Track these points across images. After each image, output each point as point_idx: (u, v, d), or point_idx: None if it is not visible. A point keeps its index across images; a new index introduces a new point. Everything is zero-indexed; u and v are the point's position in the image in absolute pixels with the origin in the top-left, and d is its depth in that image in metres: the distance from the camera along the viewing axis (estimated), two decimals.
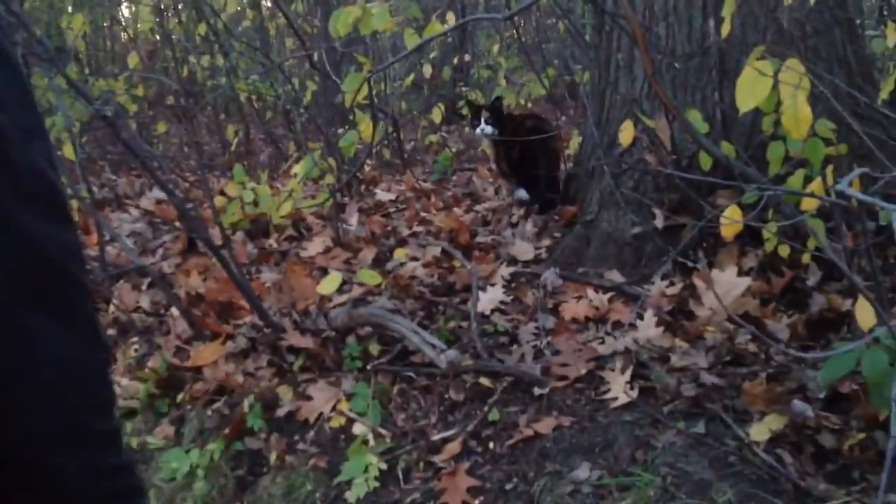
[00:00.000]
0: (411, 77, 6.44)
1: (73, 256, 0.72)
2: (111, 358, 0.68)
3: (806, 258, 2.45)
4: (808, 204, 1.86)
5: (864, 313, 1.78)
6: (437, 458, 2.12)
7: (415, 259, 3.12)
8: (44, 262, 0.67)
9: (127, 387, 2.60)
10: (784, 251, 2.42)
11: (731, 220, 1.74)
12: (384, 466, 2.13)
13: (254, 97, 6.57)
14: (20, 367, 0.65)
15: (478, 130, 3.63)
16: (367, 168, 5.06)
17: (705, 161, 2.53)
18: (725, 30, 2.20)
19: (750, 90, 1.93)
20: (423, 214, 3.74)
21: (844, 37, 2.73)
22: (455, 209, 3.82)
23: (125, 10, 10.41)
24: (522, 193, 3.65)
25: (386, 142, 5.55)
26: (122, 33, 8.92)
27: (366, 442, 2.21)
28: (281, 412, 2.39)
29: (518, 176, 3.71)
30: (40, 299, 0.67)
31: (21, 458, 0.68)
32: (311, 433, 2.32)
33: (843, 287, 2.41)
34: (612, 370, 2.24)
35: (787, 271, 2.49)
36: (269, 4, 7.88)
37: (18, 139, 0.66)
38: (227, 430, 2.37)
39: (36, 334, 0.66)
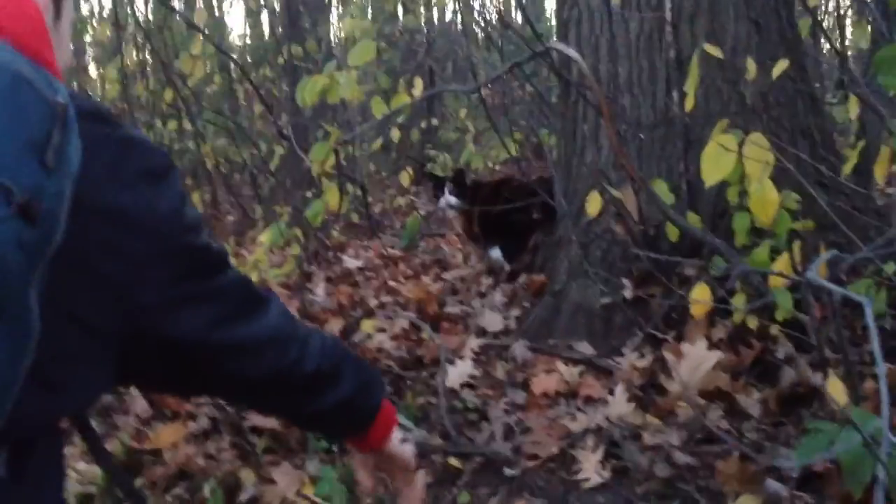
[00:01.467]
0: (379, 141, 6.46)
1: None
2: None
3: (774, 330, 2.43)
4: (777, 281, 1.85)
5: (836, 389, 1.76)
6: None
7: (382, 331, 3.06)
8: None
9: (84, 471, 2.49)
10: (752, 322, 2.40)
11: (700, 301, 1.71)
12: None
13: (221, 161, 6.54)
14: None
15: (442, 202, 3.64)
16: (334, 233, 5.03)
17: (672, 231, 2.53)
18: (689, 104, 2.22)
19: (715, 164, 1.94)
20: (391, 283, 3.70)
21: (807, 108, 2.77)
22: (423, 277, 3.79)
23: (92, 72, 10.43)
24: (497, 254, 3.64)
25: (353, 205, 5.53)
26: (85, 93, 8.88)
27: None
28: (244, 497, 2.29)
29: (491, 239, 3.71)
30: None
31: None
32: None
33: (813, 360, 2.39)
34: (584, 449, 2.19)
35: (755, 343, 2.48)
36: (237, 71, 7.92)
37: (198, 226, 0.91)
38: None
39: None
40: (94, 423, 2.61)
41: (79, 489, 2.47)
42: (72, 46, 1.01)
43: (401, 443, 1.22)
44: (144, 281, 0.86)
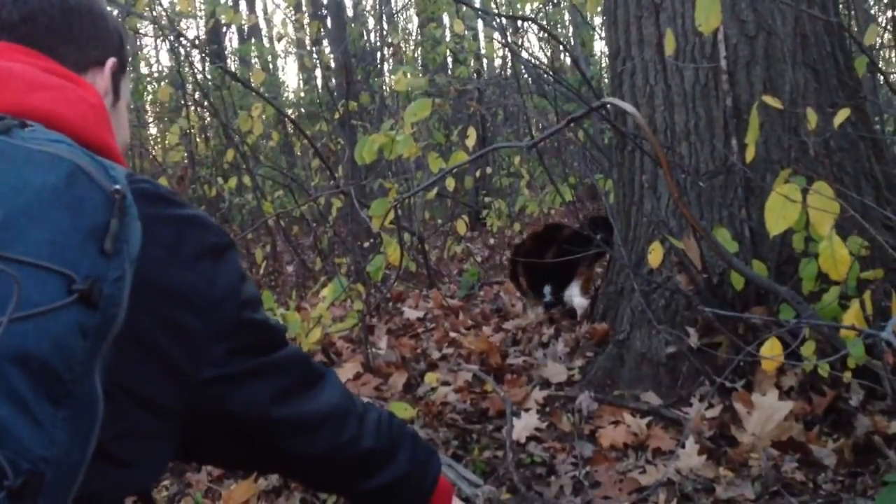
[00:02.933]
0: (435, 190, 6.53)
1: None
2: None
3: (847, 377, 2.39)
4: (850, 332, 1.83)
5: None
6: None
7: (446, 384, 3.08)
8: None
9: None
10: (824, 370, 2.36)
11: (770, 358, 1.70)
12: None
13: (280, 214, 6.67)
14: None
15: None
16: (392, 282, 5.07)
17: (737, 280, 2.51)
18: (750, 154, 2.21)
19: (779, 214, 1.92)
20: (452, 334, 3.72)
21: (869, 151, 2.74)
22: (484, 328, 3.80)
23: (153, 130, 10.77)
24: (577, 299, 3.72)
25: (411, 255, 5.58)
26: (150, 155, 9.17)
27: None
28: None
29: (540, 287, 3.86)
30: None
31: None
32: None
33: (887, 407, 2.34)
34: (656, 503, 2.16)
35: (828, 391, 2.43)
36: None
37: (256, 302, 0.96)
38: None
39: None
40: (168, 482, 2.67)
41: None
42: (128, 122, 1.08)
43: None
44: (204, 357, 0.88)
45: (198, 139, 7.30)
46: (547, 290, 3.84)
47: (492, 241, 7.00)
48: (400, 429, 1.16)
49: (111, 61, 1.01)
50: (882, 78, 4.32)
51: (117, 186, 0.75)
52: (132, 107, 9.19)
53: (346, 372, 3.28)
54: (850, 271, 2.21)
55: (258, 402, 0.96)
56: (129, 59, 1.12)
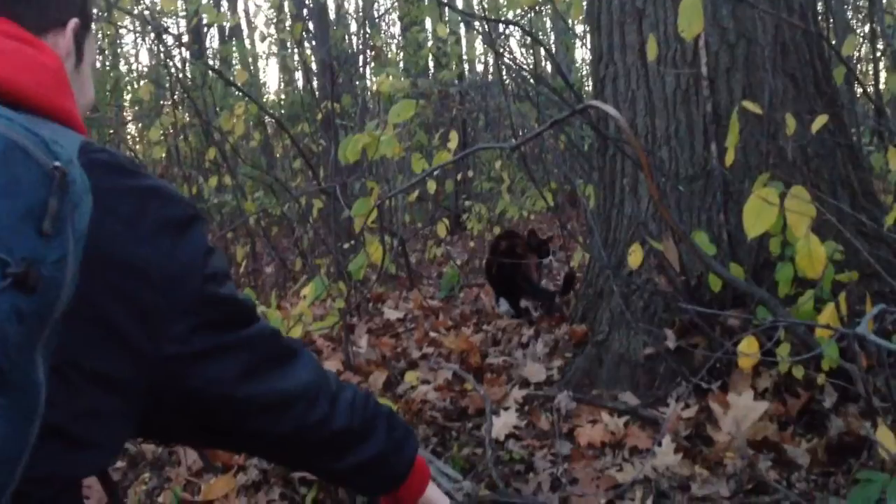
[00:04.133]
0: (415, 192, 6.56)
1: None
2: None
3: (821, 379, 2.43)
4: (823, 332, 1.87)
5: (886, 438, 1.76)
6: None
7: (426, 382, 3.10)
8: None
9: None
10: (798, 372, 2.41)
11: (747, 354, 1.74)
12: None
13: (260, 215, 6.67)
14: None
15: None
16: (373, 283, 5.09)
17: (715, 282, 2.55)
18: (729, 159, 2.25)
19: (757, 217, 1.96)
20: (432, 334, 3.74)
21: (846, 159, 2.80)
22: (464, 329, 3.83)
23: (131, 128, 10.70)
24: (505, 306, 3.99)
25: (392, 257, 5.60)
26: (130, 153, 9.12)
27: None
28: None
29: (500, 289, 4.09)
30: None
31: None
32: None
33: (861, 409, 2.39)
34: (632, 500, 2.19)
35: (802, 393, 2.48)
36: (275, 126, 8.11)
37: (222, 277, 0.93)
38: None
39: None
40: (147, 476, 2.66)
41: None
42: (92, 87, 1.01)
43: (437, 495, 1.21)
44: (164, 332, 0.85)
45: (179, 138, 7.27)
46: (502, 301, 4.03)
47: (472, 244, 7.03)
48: (376, 408, 1.13)
49: (73, 22, 0.94)
50: (860, 88, 4.40)
51: (57, 163, 0.70)
52: (112, 105, 9.15)
53: None
54: (825, 275, 2.26)
55: (223, 379, 0.93)
56: (94, 16, 1.05)
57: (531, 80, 4.97)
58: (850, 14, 7.62)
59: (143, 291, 0.82)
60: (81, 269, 0.72)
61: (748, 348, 1.75)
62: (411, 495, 1.18)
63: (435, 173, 6.68)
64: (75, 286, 0.72)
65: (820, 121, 2.15)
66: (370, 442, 1.11)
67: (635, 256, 2.61)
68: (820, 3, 4.39)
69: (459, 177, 7.75)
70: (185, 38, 9.23)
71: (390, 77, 5.59)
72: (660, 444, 2.37)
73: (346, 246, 5.65)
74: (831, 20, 4.93)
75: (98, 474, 0.95)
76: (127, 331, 0.81)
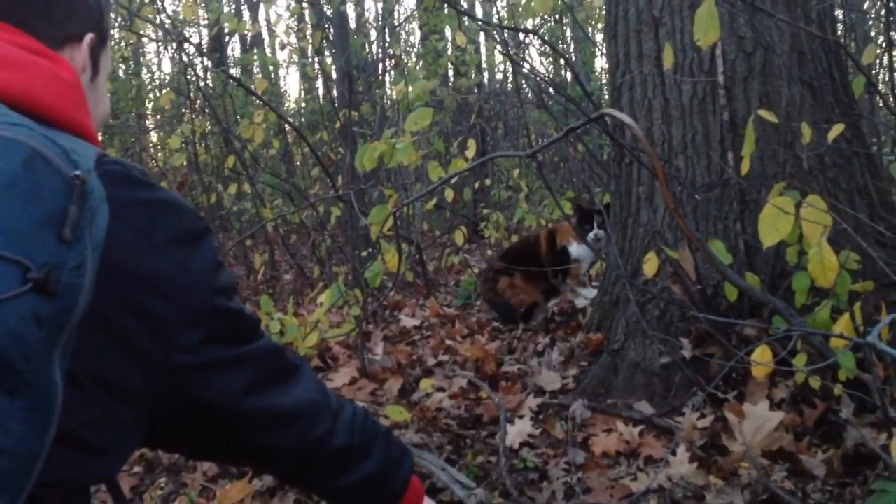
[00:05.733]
0: (433, 200, 6.57)
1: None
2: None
3: (837, 390, 2.41)
4: (839, 342, 1.85)
5: None
6: None
7: (441, 390, 3.10)
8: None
9: None
10: (815, 382, 2.39)
11: (762, 363, 1.73)
12: None
13: (279, 222, 6.71)
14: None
15: (590, 235, 3.77)
16: (389, 292, 5.11)
17: (731, 292, 2.53)
18: (745, 168, 2.24)
19: (772, 226, 1.95)
20: (448, 342, 3.74)
21: (863, 168, 2.78)
22: (479, 337, 3.83)
23: (153, 136, 10.79)
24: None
25: (409, 264, 5.61)
26: (151, 161, 9.20)
27: None
28: None
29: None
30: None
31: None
32: None
33: (877, 420, 2.37)
34: None
35: (819, 403, 2.46)
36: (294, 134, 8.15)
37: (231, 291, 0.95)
38: None
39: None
40: (163, 481, 2.69)
41: None
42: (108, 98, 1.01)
43: None
44: (174, 343, 0.86)
45: (198, 146, 7.34)
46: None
47: (490, 252, 7.03)
48: (374, 427, 1.15)
49: (89, 37, 0.96)
50: (880, 98, 4.37)
51: (77, 172, 0.72)
52: (133, 114, 9.24)
53: (342, 377, 3.31)
54: (840, 284, 2.25)
55: (230, 392, 0.95)
56: (111, 30, 1.06)
57: (549, 89, 4.97)
58: (870, 23, 7.56)
59: (155, 302, 0.84)
60: (96, 278, 0.74)
61: (762, 357, 1.74)
62: None
63: (453, 181, 6.70)
64: (92, 293, 0.73)
65: (836, 129, 2.14)
66: (369, 460, 1.12)
67: (651, 265, 2.60)
68: (840, 13, 4.37)
69: (477, 185, 7.75)
70: (206, 47, 9.31)
71: (419, 79, 5.59)
72: (674, 454, 2.36)
73: (363, 254, 5.67)
74: (852, 32, 4.90)
75: (106, 481, 0.96)
76: (138, 340, 0.83)
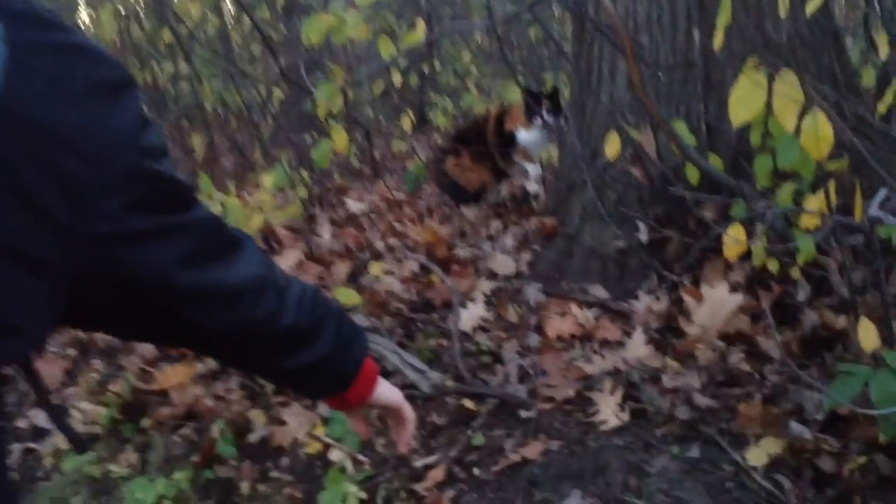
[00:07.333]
0: (381, 85, 6.35)
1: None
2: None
3: (795, 273, 2.39)
4: (809, 222, 1.80)
5: (867, 333, 1.72)
6: (419, 487, 2.02)
7: (391, 273, 3.02)
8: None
9: (88, 411, 2.46)
10: (773, 265, 2.36)
11: (734, 240, 1.66)
12: (363, 496, 2.02)
13: (218, 104, 6.42)
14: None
15: (538, 120, 3.61)
16: (336, 176, 4.96)
17: (693, 174, 2.46)
18: (718, 42, 2.13)
19: (744, 102, 1.86)
20: (397, 226, 3.64)
21: (831, 51, 2.69)
22: (430, 221, 3.73)
23: (85, 16, 10.19)
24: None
25: (356, 150, 5.43)
26: None
27: (343, 469, 2.10)
28: (253, 438, 2.27)
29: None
30: None
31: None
32: (286, 460, 2.21)
33: (834, 303, 2.36)
34: (602, 391, 2.16)
35: (775, 286, 2.44)
36: (233, 12, 7.76)
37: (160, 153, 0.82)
38: (195, 458, 2.24)
39: None
40: (99, 364, 2.57)
41: (83, 429, 2.45)
42: None
43: (387, 391, 1.14)
44: (95, 210, 0.77)
45: (131, 20, 6.91)
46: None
47: (437, 139, 6.87)
48: (325, 305, 1.06)
49: None
50: None
51: None
52: None
53: (287, 260, 3.19)
54: (805, 165, 2.19)
55: (162, 266, 0.85)
56: None
57: None
58: None
59: (68, 161, 0.73)
60: None
61: (735, 235, 1.67)
62: (360, 396, 1.11)
63: (401, 65, 6.46)
64: None
65: (815, 2, 2.03)
66: (319, 340, 1.04)
67: (612, 146, 2.50)
68: None
69: (426, 69, 7.52)
70: None
71: None
72: (630, 337, 2.33)
73: (307, 139, 5.47)
74: None
75: (21, 364, 0.88)
76: (48, 204, 0.72)
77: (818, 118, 1.56)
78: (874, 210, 1.22)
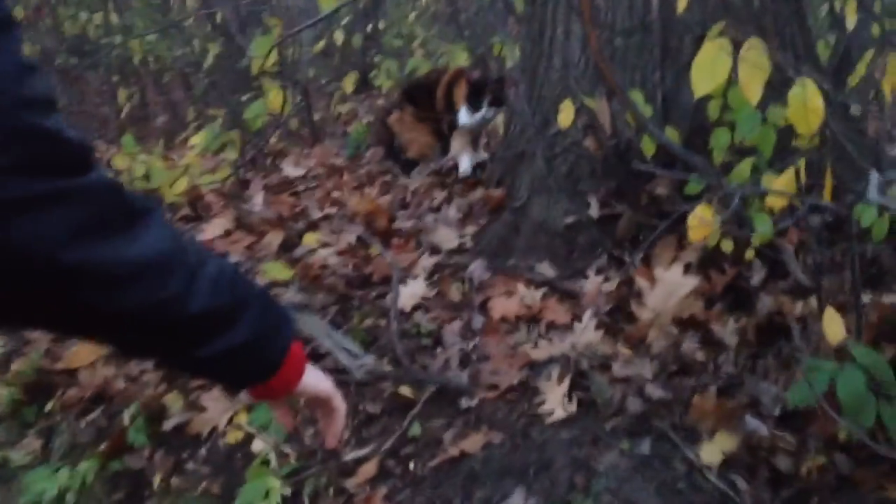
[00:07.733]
0: (321, 44, 6.10)
1: None
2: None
3: (749, 254, 2.27)
4: (777, 202, 1.67)
5: (832, 324, 1.61)
6: (349, 483, 1.88)
7: (327, 245, 2.83)
8: None
9: None
10: (728, 246, 2.23)
11: (701, 222, 1.52)
12: (287, 492, 1.87)
13: (150, 59, 6.11)
14: None
15: (478, 115, 3.36)
16: (272, 139, 4.73)
17: (648, 146, 2.32)
18: (682, 5, 1.98)
19: (708, 71, 1.71)
20: (335, 194, 3.45)
21: (792, 19, 2.57)
22: (370, 189, 3.54)
23: None
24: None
25: (294, 111, 5.20)
26: None
27: (267, 462, 1.95)
28: (168, 425, 2.11)
29: None
30: None
31: None
32: (203, 451, 2.05)
33: (789, 287, 2.25)
34: (548, 379, 2.02)
35: (729, 268, 2.32)
36: None
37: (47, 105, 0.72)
38: (103, 446, 2.08)
39: None
40: (2, 340, 2.35)
41: None
42: None
43: (315, 380, 1.04)
44: None
45: None
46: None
47: (381, 102, 6.64)
48: (245, 286, 0.95)
49: None
50: None
51: None
52: None
53: (214, 228, 3.00)
54: (766, 140, 2.06)
55: (48, 239, 0.73)
56: None
57: None
58: None
59: None
60: None
61: (702, 216, 1.53)
62: (285, 385, 0.99)
63: (344, 23, 6.21)
64: None
65: None
66: (238, 326, 0.91)
67: (566, 114, 2.34)
68: None
69: (369, 29, 7.26)
70: None
71: None
72: (579, 320, 2.20)
73: (243, 98, 5.21)
74: None
75: None
76: None
77: (808, 88, 1.41)
78: (873, 195, 1.09)
